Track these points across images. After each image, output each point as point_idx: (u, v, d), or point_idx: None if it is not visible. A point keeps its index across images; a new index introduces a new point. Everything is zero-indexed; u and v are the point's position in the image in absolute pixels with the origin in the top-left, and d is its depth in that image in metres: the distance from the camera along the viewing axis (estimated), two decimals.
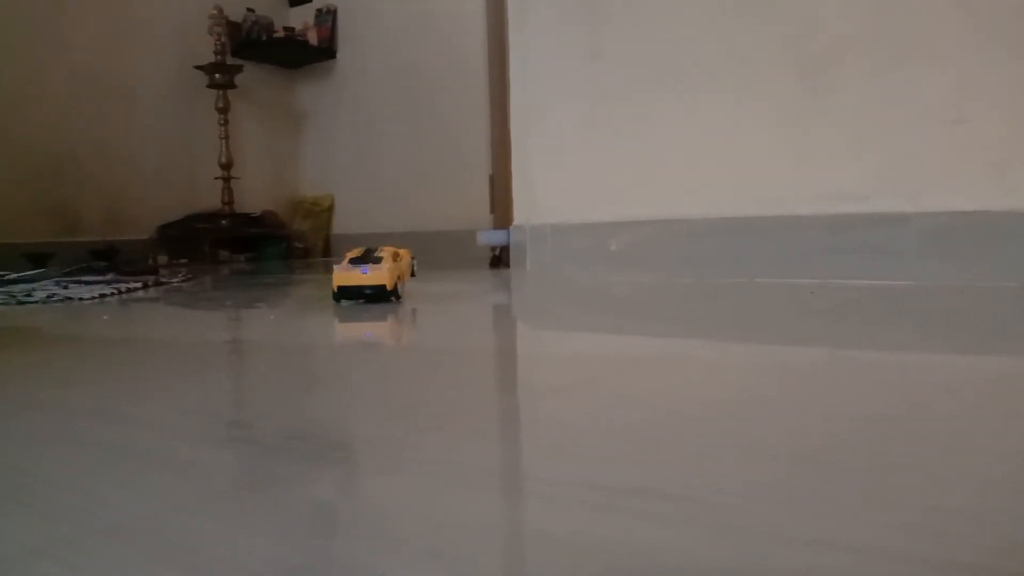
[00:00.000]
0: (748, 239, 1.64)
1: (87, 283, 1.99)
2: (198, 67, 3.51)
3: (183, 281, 2.16)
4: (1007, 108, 1.37)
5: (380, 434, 0.50)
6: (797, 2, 1.57)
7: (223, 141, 3.58)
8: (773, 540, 0.31)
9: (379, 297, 1.34)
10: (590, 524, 0.33)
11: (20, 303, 1.58)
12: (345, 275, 1.32)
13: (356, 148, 3.90)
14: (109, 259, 2.90)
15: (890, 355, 0.77)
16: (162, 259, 3.29)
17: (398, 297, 1.37)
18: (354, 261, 1.35)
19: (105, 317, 1.35)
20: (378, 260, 1.34)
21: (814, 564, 0.29)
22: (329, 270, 1.41)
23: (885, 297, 1.25)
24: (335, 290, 1.34)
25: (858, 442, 0.45)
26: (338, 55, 3.94)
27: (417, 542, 0.32)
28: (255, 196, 3.87)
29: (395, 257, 1.39)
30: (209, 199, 3.60)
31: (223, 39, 3.53)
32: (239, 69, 3.61)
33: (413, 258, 1.60)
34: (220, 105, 3.58)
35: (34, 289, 1.82)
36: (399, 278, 1.39)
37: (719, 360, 0.77)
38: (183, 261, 3.32)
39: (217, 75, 3.53)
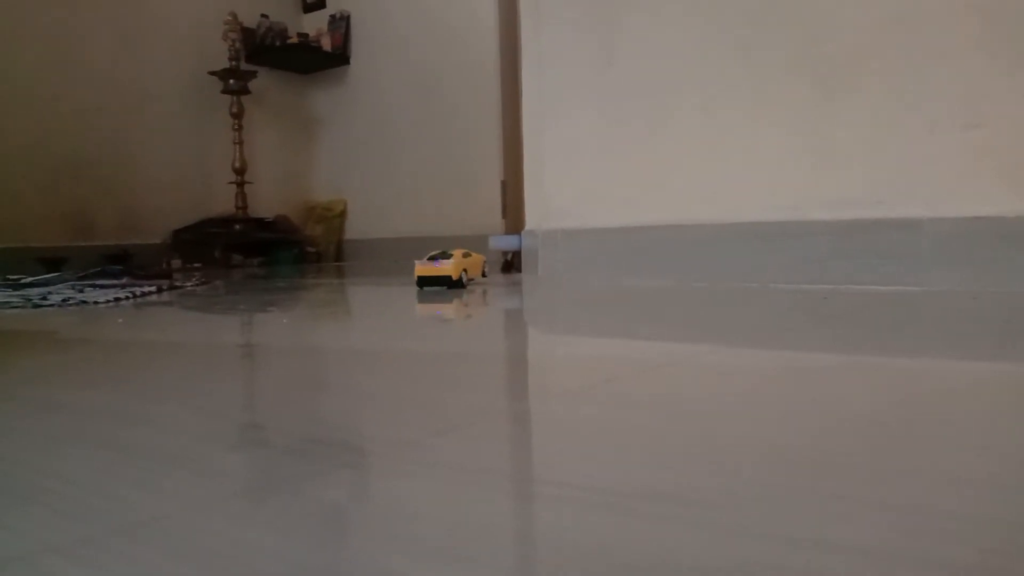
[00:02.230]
0: (761, 244, 1.63)
1: (102, 287, 2.00)
2: (212, 73, 3.54)
3: (197, 285, 2.17)
4: (1022, 114, 1.36)
5: (395, 436, 0.50)
6: (812, 8, 1.57)
7: (237, 146, 3.61)
8: (784, 542, 0.31)
9: (447, 284, 1.75)
10: (602, 527, 0.33)
11: (36, 306, 1.59)
12: (423, 267, 1.76)
13: (369, 153, 3.91)
14: (123, 263, 2.92)
15: (900, 360, 0.77)
16: (176, 263, 3.32)
17: (463, 285, 1.78)
18: (431, 258, 1.77)
19: (120, 320, 1.37)
20: (448, 257, 1.76)
21: (824, 565, 0.29)
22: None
23: (898, 303, 1.24)
24: (416, 278, 1.77)
25: (868, 446, 0.45)
26: (351, 61, 3.96)
27: (432, 542, 0.32)
28: (268, 201, 3.89)
29: (464, 256, 1.82)
30: (223, 204, 3.63)
31: (237, 45, 3.55)
32: (253, 75, 3.64)
33: (485, 262, 1.99)
34: (234, 110, 3.60)
35: (50, 293, 1.84)
36: (465, 271, 1.80)
37: (731, 365, 0.77)
38: (196, 265, 3.34)
39: (231, 81, 3.56)
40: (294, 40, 3.85)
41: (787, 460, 0.43)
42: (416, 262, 1.78)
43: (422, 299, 1.58)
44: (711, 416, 0.55)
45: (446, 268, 1.73)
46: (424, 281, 1.76)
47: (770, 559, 0.29)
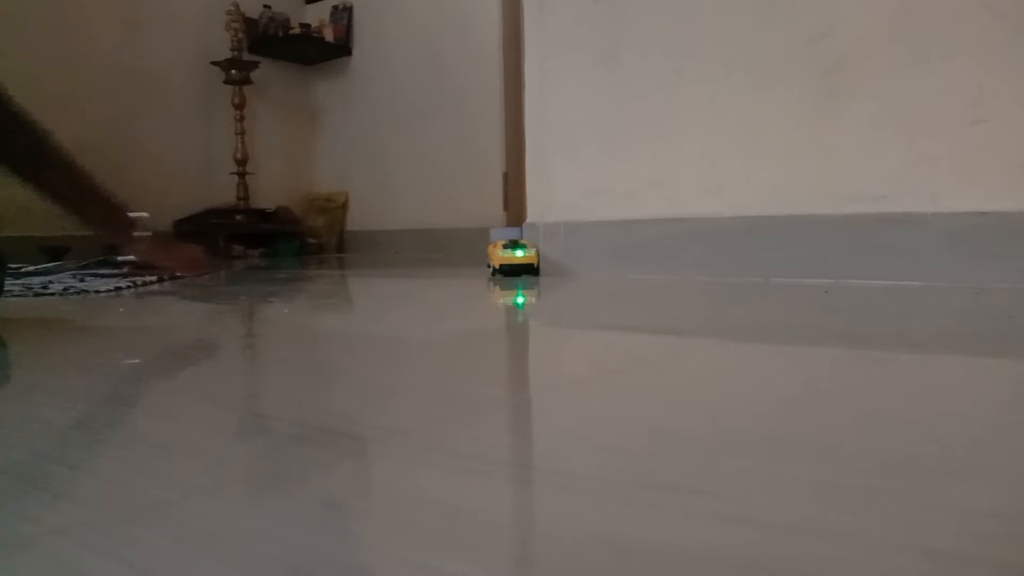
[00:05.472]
0: (764, 238, 1.63)
1: (103, 276, 2.00)
2: (215, 63, 3.54)
3: (198, 275, 2.17)
4: None
5: (397, 424, 0.50)
6: (818, 2, 1.56)
7: (239, 137, 3.61)
8: (786, 532, 0.31)
9: (529, 271, 1.84)
10: (604, 515, 0.33)
11: (37, 295, 1.59)
12: (505, 256, 1.83)
13: (371, 145, 3.91)
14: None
15: (899, 355, 0.77)
16: None
17: (538, 272, 1.88)
18: (506, 247, 1.85)
19: (121, 309, 1.37)
20: (524, 246, 1.85)
21: (823, 553, 0.29)
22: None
23: (899, 298, 1.24)
24: (496, 267, 1.83)
25: (868, 437, 0.45)
26: (354, 52, 3.95)
27: (432, 528, 0.32)
28: (270, 192, 3.89)
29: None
30: (224, 195, 3.63)
31: (240, 35, 3.55)
32: (255, 65, 3.63)
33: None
34: (236, 101, 3.60)
35: (51, 282, 1.84)
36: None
37: (731, 358, 0.77)
38: None
39: (233, 71, 3.55)
40: (296, 31, 3.84)
41: (787, 450, 0.43)
42: (495, 251, 1.85)
43: (417, 293, 1.58)
44: (711, 407, 0.55)
45: (529, 256, 1.84)
46: (504, 270, 1.83)
47: (768, 546, 0.29)
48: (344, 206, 4.07)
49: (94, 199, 1.36)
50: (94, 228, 1.37)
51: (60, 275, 2.07)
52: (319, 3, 4.05)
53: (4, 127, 1.23)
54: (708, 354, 0.78)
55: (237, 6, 3.53)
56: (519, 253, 1.83)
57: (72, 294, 1.61)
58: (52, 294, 1.61)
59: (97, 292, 1.64)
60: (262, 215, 3.70)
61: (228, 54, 3.53)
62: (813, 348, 0.82)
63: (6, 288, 1.63)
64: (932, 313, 1.10)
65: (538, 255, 1.87)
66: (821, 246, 1.55)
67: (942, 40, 1.43)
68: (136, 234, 1.27)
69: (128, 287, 1.75)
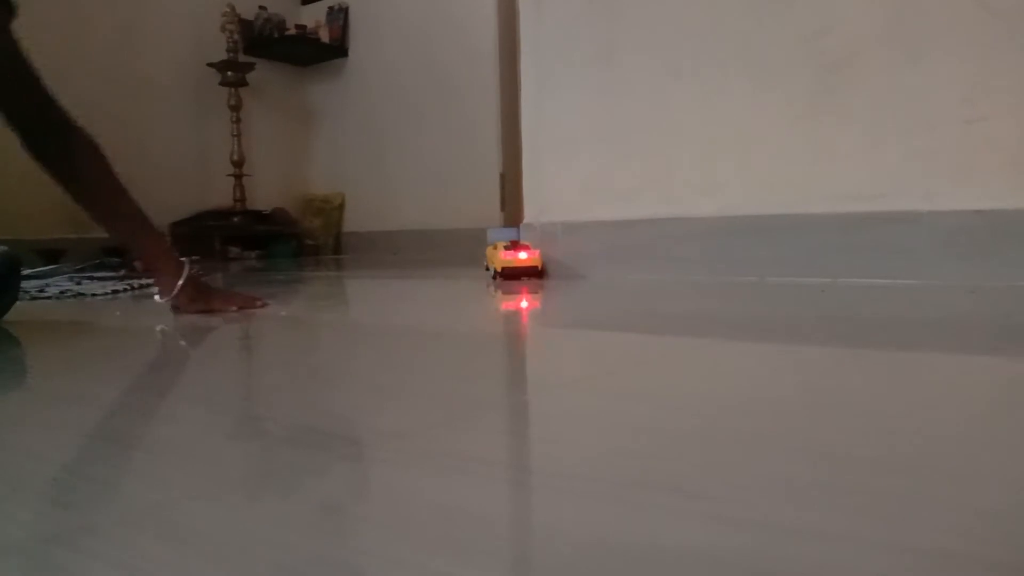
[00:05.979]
0: (760, 238, 1.63)
1: (99, 279, 2.00)
2: (211, 65, 3.53)
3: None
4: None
5: (391, 428, 0.50)
6: (814, 1, 1.56)
7: (235, 139, 3.60)
8: (784, 533, 0.31)
9: (531, 274, 1.76)
10: (599, 516, 0.33)
11: (33, 299, 1.59)
12: (508, 258, 1.74)
13: (367, 146, 3.91)
14: (121, 256, 2.91)
15: (899, 354, 0.77)
16: None
17: (542, 275, 1.80)
18: (508, 249, 1.76)
19: (118, 313, 1.36)
20: (526, 248, 1.77)
21: (825, 557, 0.29)
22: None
23: (896, 296, 1.24)
24: (499, 270, 1.75)
25: (862, 436, 0.45)
26: (350, 53, 3.95)
27: (428, 530, 0.32)
28: (266, 193, 3.88)
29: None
30: (221, 197, 3.62)
31: (235, 37, 3.54)
32: (251, 67, 3.62)
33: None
34: (232, 103, 3.59)
35: (47, 285, 1.84)
36: None
37: (728, 358, 0.77)
38: (194, 258, 3.33)
39: (229, 73, 3.55)
40: (292, 32, 3.84)
41: (781, 451, 0.43)
42: (498, 253, 1.75)
43: (415, 295, 1.58)
44: (709, 408, 0.55)
45: (533, 258, 1.76)
46: (507, 272, 1.74)
47: (766, 547, 0.29)
48: (341, 207, 4.07)
49: (130, 216, 1.35)
50: (125, 243, 1.36)
51: (56, 278, 2.06)
52: (315, 4, 4.05)
53: (47, 123, 1.23)
54: (704, 355, 0.78)
55: (233, 7, 3.53)
56: (523, 256, 1.76)
57: (68, 297, 1.61)
58: (48, 297, 1.60)
59: (94, 295, 1.64)
60: (258, 217, 3.70)
61: (224, 56, 3.52)
62: (809, 347, 0.82)
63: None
64: (928, 312, 1.10)
65: (540, 260, 1.80)
66: (818, 245, 1.55)
67: (938, 39, 1.44)
68: (179, 283, 1.26)
69: (125, 290, 1.74)
